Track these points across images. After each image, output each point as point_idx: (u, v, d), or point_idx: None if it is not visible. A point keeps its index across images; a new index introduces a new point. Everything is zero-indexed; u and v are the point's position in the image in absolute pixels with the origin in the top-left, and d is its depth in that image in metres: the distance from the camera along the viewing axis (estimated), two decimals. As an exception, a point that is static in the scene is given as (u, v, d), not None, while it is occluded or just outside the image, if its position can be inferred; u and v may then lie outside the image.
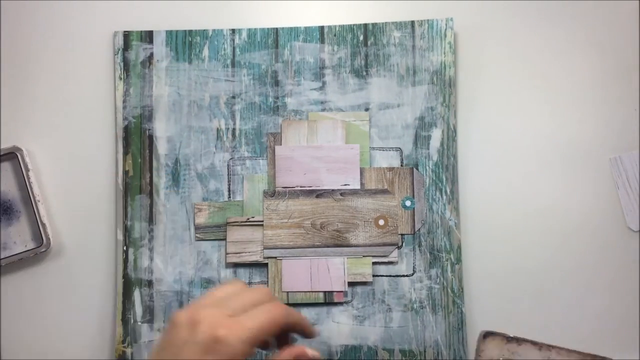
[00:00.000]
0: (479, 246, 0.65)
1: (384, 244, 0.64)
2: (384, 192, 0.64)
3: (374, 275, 0.64)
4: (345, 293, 0.63)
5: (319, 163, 0.64)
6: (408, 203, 0.64)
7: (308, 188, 0.64)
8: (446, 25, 0.65)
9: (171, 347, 0.44)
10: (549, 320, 0.64)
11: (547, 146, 0.66)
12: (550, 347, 0.53)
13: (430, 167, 0.64)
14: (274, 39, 0.66)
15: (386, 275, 0.64)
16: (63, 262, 0.65)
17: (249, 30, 0.66)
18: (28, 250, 0.64)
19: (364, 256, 0.64)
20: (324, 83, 0.65)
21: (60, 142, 0.66)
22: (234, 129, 0.65)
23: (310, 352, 0.48)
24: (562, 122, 0.66)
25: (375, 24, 0.65)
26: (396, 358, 0.63)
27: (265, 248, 0.64)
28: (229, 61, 0.65)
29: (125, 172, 0.65)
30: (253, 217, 0.64)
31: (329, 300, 0.64)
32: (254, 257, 0.64)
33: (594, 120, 0.66)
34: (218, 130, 0.65)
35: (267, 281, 0.64)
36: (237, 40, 0.66)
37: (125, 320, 0.63)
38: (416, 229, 0.64)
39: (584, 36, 0.67)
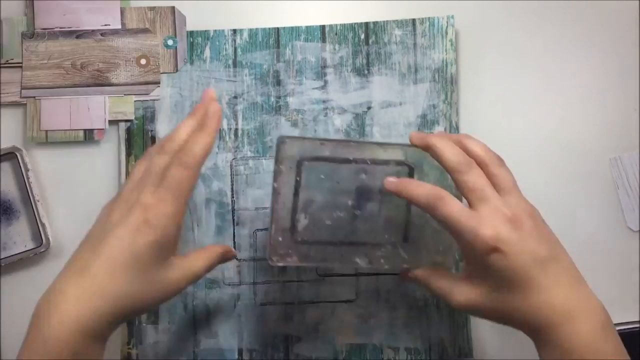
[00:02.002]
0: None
1: (146, 83, 0.65)
2: (145, 31, 0.65)
3: (378, 274, 0.64)
4: (105, 131, 0.65)
5: (79, 4, 0.65)
6: (170, 42, 0.65)
7: (68, 29, 0.65)
8: (447, 22, 0.65)
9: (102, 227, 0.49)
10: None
11: (547, 146, 0.66)
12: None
13: (434, 164, 0.64)
14: (275, 39, 0.66)
15: (390, 273, 0.64)
16: (63, 262, 0.63)
17: (250, 30, 0.66)
18: (28, 251, 0.64)
19: (125, 95, 0.65)
20: (325, 82, 0.65)
21: (60, 143, 0.66)
22: (236, 129, 0.65)
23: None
24: (562, 121, 0.66)
25: (377, 22, 0.66)
26: (401, 356, 0.63)
27: (23, 88, 0.64)
28: (230, 61, 0.65)
29: (129, 174, 0.65)
30: (12, 59, 0.65)
31: (89, 139, 0.65)
32: (12, 97, 0.64)
33: (594, 120, 0.66)
34: (220, 130, 0.65)
35: (26, 120, 0.64)
36: (238, 41, 0.66)
37: (130, 322, 0.63)
38: (179, 68, 0.65)
39: (584, 36, 0.67)
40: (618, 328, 0.62)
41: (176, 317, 0.63)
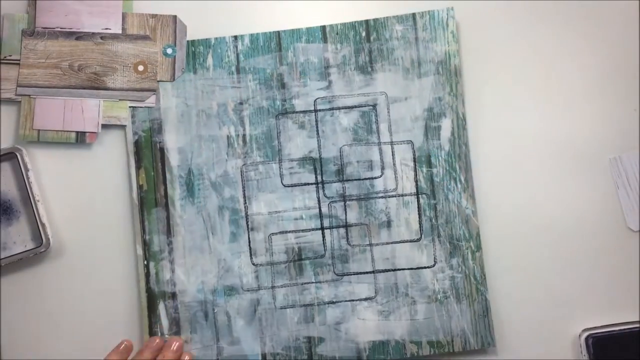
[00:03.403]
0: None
1: (142, 90, 0.65)
2: (145, 38, 0.65)
3: (394, 270, 0.64)
4: (97, 134, 0.65)
5: (81, 5, 0.65)
6: (169, 51, 0.65)
7: (68, 30, 0.65)
8: (447, 14, 0.65)
9: None
10: (555, 310, 0.65)
11: (547, 147, 0.66)
12: None
13: (443, 157, 0.64)
14: (276, 42, 0.66)
15: (407, 269, 0.64)
16: (63, 262, 0.65)
17: (251, 35, 0.66)
18: (27, 251, 0.64)
19: (120, 100, 0.65)
20: (330, 82, 0.65)
21: (58, 143, 0.66)
22: (244, 135, 0.65)
23: None
24: (562, 122, 0.66)
25: (377, 19, 0.66)
26: (424, 350, 0.63)
27: (19, 86, 0.64)
28: (233, 68, 0.65)
29: (140, 187, 0.64)
30: (10, 56, 0.65)
31: (80, 141, 0.65)
32: (7, 94, 0.64)
33: (594, 120, 0.66)
34: (228, 137, 0.65)
35: (19, 119, 0.64)
36: (240, 47, 0.66)
37: (153, 334, 0.63)
38: (176, 77, 0.65)
39: (585, 35, 0.66)
40: (618, 328, 0.63)
41: (197, 326, 0.63)
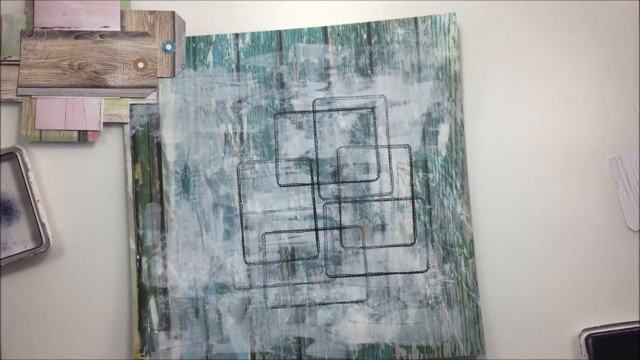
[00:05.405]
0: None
1: (143, 87, 0.65)
2: (144, 35, 0.65)
3: (386, 274, 0.64)
4: (99, 133, 0.65)
5: (79, 4, 0.65)
6: (169, 47, 0.65)
7: (67, 29, 0.65)
8: (449, 20, 0.65)
9: None
10: (555, 311, 0.65)
11: (548, 146, 0.66)
12: None
13: (440, 162, 0.64)
14: (277, 42, 0.66)
15: (400, 273, 0.64)
16: (63, 262, 0.65)
17: (252, 34, 0.66)
18: (27, 251, 0.64)
19: (121, 97, 0.65)
20: (329, 83, 0.65)
21: (58, 142, 0.66)
22: (241, 133, 0.65)
23: None
24: (563, 121, 0.66)
25: (379, 22, 0.65)
26: (414, 354, 0.63)
27: (19, 86, 0.64)
28: (233, 65, 0.65)
29: (135, 181, 0.64)
30: (10, 57, 0.65)
31: (83, 140, 0.65)
32: (8, 95, 0.65)
33: (593, 120, 0.66)
34: (226, 135, 0.65)
35: (21, 120, 0.65)
36: (240, 45, 0.66)
37: (142, 329, 0.63)
38: (176, 73, 0.65)
39: (585, 35, 0.67)
40: (618, 328, 0.63)
41: (188, 323, 0.63)
